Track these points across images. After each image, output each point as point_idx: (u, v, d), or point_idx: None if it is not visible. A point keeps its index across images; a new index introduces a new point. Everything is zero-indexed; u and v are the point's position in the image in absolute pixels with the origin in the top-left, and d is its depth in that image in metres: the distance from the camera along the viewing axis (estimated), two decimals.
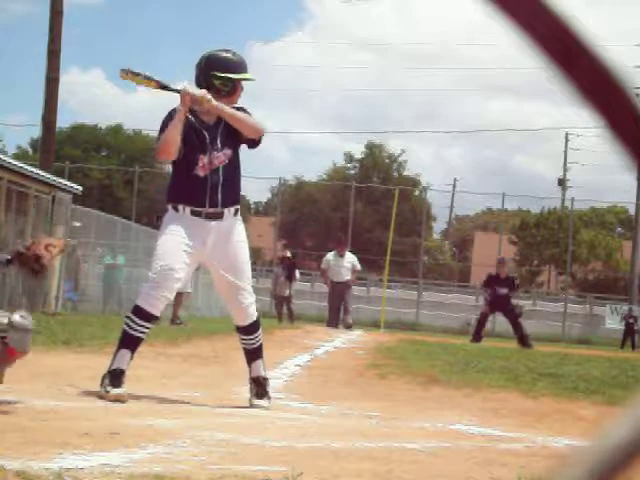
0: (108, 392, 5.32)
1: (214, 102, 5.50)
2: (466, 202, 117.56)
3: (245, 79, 5.72)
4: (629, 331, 28.43)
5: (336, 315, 19.75)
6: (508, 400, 6.40)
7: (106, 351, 5.68)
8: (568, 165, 56.04)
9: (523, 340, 17.84)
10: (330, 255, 19.87)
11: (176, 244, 5.52)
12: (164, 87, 5.69)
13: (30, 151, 52.25)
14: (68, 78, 79.86)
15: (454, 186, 59.89)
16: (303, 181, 52.11)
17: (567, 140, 55.98)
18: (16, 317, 4.40)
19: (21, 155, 48.81)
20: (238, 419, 4.90)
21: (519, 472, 3.48)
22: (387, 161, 54.35)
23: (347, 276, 19.53)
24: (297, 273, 21.47)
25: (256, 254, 39.28)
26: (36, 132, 29.11)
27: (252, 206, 66.20)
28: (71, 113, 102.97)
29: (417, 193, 49.66)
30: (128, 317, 5.51)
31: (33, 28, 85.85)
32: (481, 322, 19.10)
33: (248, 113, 5.75)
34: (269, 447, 3.92)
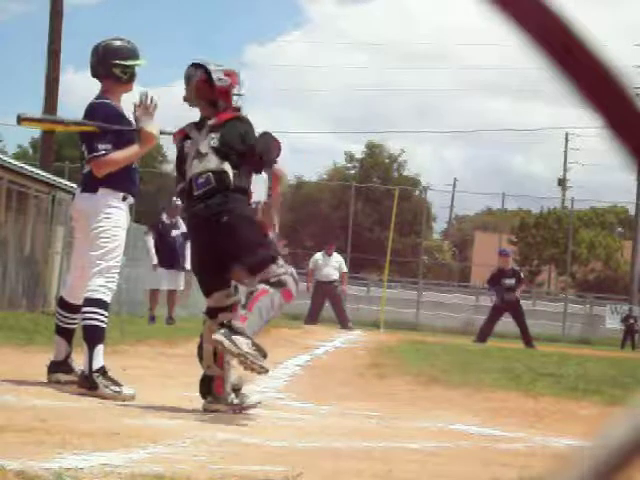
0: (119, 393, 5.28)
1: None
2: (466, 202, 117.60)
3: (139, 65, 6.18)
4: (629, 331, 28.41)
5: (316, 314, 19.99)
6: (508, 400, 6.39)
7: (106, 351, 5.68)
8: (568, 165, 55.97)
9: (528, 341, 17.86)
10: (319, 255, 20.11)
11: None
12: (77, 124, 5.91)
13: (30, 151, 52.14)
14: (66, 78, 79.80)
15: (454, 186, 59.86)
16: (303, 181, 51.99)
17: (567, 140, 55.92)
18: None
19: (21, 155, 48.67)
20: (238, 419, 4.90)
21: (519, 472, 3.48)
22: (387, 161, 54.23)
23: (334, 275, 19.80)
24: None
25: None
26: (36, 132, 29.09)
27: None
28: (71, 113, 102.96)
29: (417, 193, 49.57)
30: (100, 314, 5.47)
31: (33, 28, 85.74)
32: (487, 326, 18.21)
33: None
34: (269, 447, 3.92)
